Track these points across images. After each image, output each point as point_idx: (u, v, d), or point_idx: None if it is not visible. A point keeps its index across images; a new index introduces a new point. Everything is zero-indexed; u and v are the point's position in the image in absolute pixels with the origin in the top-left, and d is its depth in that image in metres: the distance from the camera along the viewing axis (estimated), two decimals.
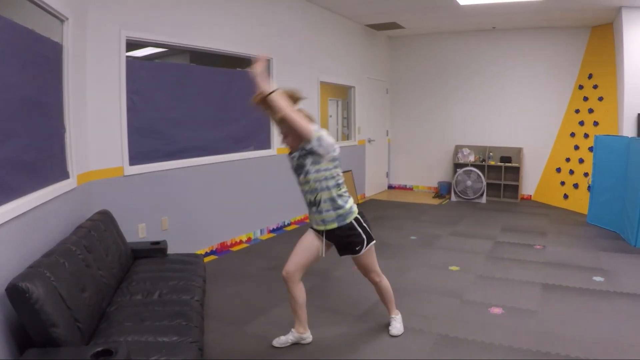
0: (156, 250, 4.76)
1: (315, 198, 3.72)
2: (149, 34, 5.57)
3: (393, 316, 4.30)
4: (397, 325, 4.26)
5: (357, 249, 3.83)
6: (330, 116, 13.81)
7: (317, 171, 3.67)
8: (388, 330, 4.25)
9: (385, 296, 4.23)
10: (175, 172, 5.97)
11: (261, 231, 7.57)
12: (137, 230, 5.44)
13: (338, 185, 3.74)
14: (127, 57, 5.33)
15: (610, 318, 4.56)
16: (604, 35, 9.77)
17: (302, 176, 3.73)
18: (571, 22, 9.96)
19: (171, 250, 5.01)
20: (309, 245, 3.88)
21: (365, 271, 4.04)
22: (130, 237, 4.95)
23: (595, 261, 6.34)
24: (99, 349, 2.54)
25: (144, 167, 5.55)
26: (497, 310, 4.74)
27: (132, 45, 5.56)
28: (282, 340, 3.99)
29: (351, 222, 3.79)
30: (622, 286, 5.41)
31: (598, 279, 5.67)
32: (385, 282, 4.17)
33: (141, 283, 3.94)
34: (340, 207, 3.73)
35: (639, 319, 4.53)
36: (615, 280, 5.60)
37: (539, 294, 5.18)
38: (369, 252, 3.92)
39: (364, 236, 3.84)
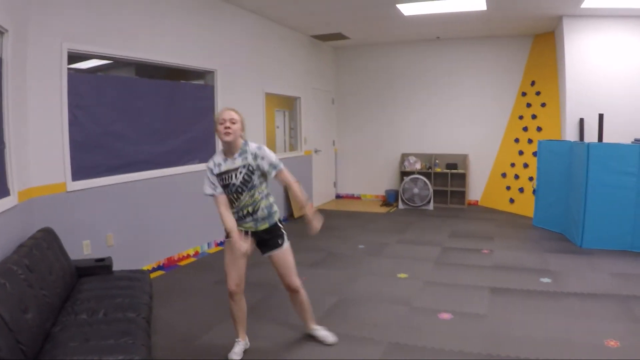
0: (101, 267, 4.66)
1: (254, 208, 3.83)
2: (91, 46, 5.47)
3: (315, 327, 4.34)
4: (325, 333, 4.31)
5: (279, 242, 3.96)
6: (277, 127, 13.81)
7: (261, 183, 3.84)
8: (322, 342, 4.27)
9: (304, 307, 4.24)
10: (120, 187, 5.87)
11: (208, 244, 7.50)
12: (81, 247, 5.32)
13: (270, 193, 3.95)
14: (69, 69, 5.24)
15: (558, 318, 4.71)
16: (545, 43, 10.12)
17: (246, 192, 3.79)
18: (514, 30, 10.29)
19: (117, 266, 4.91)
20: (240, 257, 3.91)
21: (287, 272, 4.04)
22: (74, 254, 4.83)
23: (542, 263, 6.53)
24: None
25: (87, 182, 5.44)
26: (446, 316, 4.81)
27: (76, 57, 5.46)
28: (237, 351, 4.00)
29: (276, 221, 3.96)
30: (569, 286, 5.60)
31: (545, 280, 5.83)
32: (304, 291, 4.20)
33: (86, 302, 3.86)
34: (273, 211, 3.94)
35: (587, 318, 4.70)
36: (562, 281, 5.79)
37: (488, 298, 5.29)
38: (289, 250, 4.04)
39: (284, 231, 4.01)
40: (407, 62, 11.87)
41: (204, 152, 7.43)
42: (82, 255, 5.30)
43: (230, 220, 3.80)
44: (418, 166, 11.54)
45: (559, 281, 5.78)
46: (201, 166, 7.26)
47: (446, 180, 11.36)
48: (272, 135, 12.81)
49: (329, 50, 12.26)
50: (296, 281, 4.08)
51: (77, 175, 5.32)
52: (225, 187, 3.79)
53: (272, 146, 12.04)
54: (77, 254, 5.09)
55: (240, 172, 3.75)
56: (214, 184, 3.80)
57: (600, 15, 8.43)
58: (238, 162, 3.76)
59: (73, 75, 5.31)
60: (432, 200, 11.12)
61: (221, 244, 7.79)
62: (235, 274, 3.91)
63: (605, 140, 8.28)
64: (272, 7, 8.46)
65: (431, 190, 11.04)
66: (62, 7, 5.08)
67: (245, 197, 3.78)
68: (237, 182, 3.75)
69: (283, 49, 9.89)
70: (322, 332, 4.30)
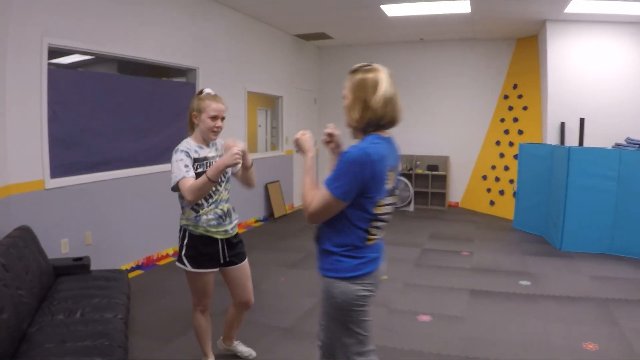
0: (79, 266, 4.60)
1: (229, 208, 3.55)
2: (72, 41, 5.39)
3: (237, 342, 4.09)
4: (247, 349, 4.08)
5: (244, 251, 3.70)
6: (260, 126, 13.74)
7: (229, 180, 3.61)
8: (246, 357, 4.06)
9: (240, 321, 3.96)
10: (99, 185, 5.80)
11: None
12: (59, 246, 5.24)
13: None
14: (50, 65, 5.15)
15: (537, 321, 4.75)
16: (528, 47, 10.20)
17: (224, 183, 3.53)
18: (497, 34, 10.33)
19: (95, 266, 4.86)
20: (212, 280, 3.61)
21: (249, 284, 3.74)
22: (52, 254, 4.76)
23: (521, 265, 6.57)
24: None
25: (66, 179, 5.36)
26: (425, 318, 4.82)
27: (56, 52, 5.38)
28: None
29: None
30: (548, 289, 5.65)
31: (525, 282, 5.87)
32: None
33: (63, 302, 3.81)
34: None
35: (566, 321, 4.74)
36: (541, 284, 5.84)
37: (467, 300, 5.31)
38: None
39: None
40: (390, 63, 11.52)
41: None
42: (60, 254, 5.21)
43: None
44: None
45: (538, 284, 5.82)
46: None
47: (427, 181, 11.38)
48: (253, 135, 12.74)
49: (313, 49, 12.24)
50: (251, 297, 3.78)
51: (55, 172, 5.24)
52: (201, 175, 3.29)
53: (253, 145, 11.98)
54: (55, 252, 5.02)
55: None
56: (188, 167, 3.30)
57: (583, 20, 8.50)
58: (213, 151, 3.53)
59: (53, 70, 5.23)
60: (412, 202, 11.14)
61: None
62: (209, 293, 3.62)
63: (586, 144, 8.37)
64: (255, 5, 8.40)
65: (412, 191, 11.06)
66: (43, 1, 4.99)
67: (222, 191, 3.48)
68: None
69: (266, 47, 9.83)
70: (244, 347, 4.08)
